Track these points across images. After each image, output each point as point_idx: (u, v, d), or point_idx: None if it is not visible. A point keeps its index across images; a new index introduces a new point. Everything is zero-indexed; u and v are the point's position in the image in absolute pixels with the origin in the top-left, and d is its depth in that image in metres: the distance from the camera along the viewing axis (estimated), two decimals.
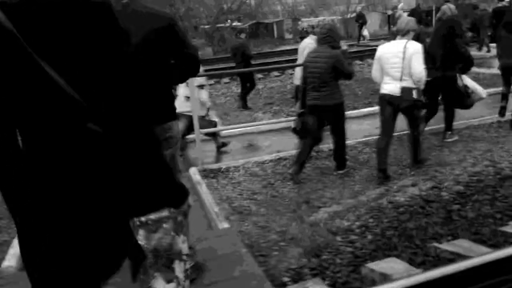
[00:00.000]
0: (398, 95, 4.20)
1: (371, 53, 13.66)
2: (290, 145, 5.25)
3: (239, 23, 26.97)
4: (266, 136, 6.33)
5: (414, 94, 4.19)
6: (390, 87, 4.27)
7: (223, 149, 5.98)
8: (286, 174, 4.55)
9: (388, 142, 4.43)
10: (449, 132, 5.43)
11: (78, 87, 1.09)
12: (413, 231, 3.21)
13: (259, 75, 12.37)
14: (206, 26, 24.15)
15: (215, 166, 4.95)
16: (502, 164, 4.49)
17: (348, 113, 5.72)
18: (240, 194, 4.15)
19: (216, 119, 5.90)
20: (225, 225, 3.30)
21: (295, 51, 21.53)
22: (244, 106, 8.58)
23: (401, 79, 4.17)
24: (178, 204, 1.45)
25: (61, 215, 1.16)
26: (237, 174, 4.65)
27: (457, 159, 4.75)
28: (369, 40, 19.90)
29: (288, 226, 3.44)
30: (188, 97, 5.18)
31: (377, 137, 4.57)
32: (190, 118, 5.16)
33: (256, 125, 6.51)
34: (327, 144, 4.99)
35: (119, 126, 1.17)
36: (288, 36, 28.07)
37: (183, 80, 2.51)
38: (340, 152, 4.60)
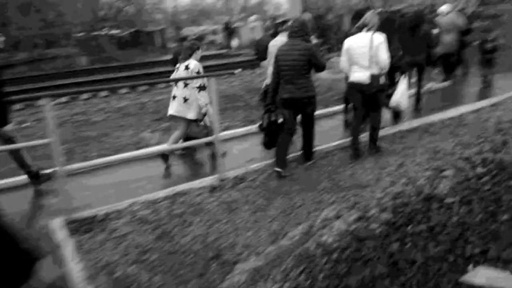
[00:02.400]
0: (368, 82, 4.58)
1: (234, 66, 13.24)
2: (190, 172, 4.24)
3: (117, 31, 24.90)
4: (158, 164, 5.21)
5: (381, 80, 4.64)
6: (359, 75, 4.65)
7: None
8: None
9: (359, 123, 4.89)
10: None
11: None
12: None
13: (143, 88, 11.05)
14: (80, 34, 21.67)
15: (89, 213, 3.67)
16: (420, 181, 4.06)
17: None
18: (125, 255, 3.00)
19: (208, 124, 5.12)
20: None
21: None
22: None
23: (369, 68, 4.56)
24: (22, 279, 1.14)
25: None
26: (120, 223, 3.48)
27: (373, 178, 4.22)
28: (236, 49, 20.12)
29: None
30: (187, 99, 4.88)
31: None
32: (187, 122, 4.97)
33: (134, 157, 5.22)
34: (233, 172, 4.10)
35: None
36: (171, 45, 26.81)
37: None
38: (310, 143, 4.68)
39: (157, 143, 5.93)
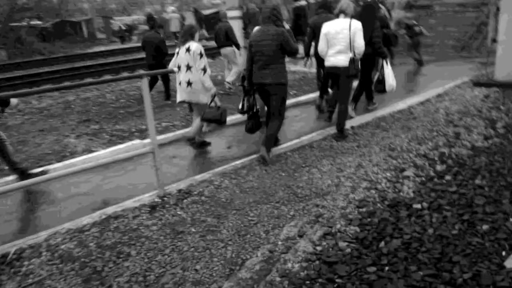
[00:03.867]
0: (345, 65, 4.75)
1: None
2: (124, 189, 3.54)
3: (39, 22, 22.72)
4: (87, 177, 4.43)
5: (357, 64, 4.79)
6: (336, 59, 4.81)
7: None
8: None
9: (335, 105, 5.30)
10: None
11: None
12: None
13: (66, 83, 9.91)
14: None
15: None
16: (381, 183, 3.72)
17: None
18: None
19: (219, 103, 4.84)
20: None
21: (112, 53, 18.85)
22: None
23: (344, 52, 4.75)
24: None
25: None
26: (37, 263, 2.74)
27: (332, 183, 3.81)
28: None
29: None
30: (190, 82, 4.67)
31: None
32: (196, 106, 4.87)
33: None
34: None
35: None
36: (100, 35, 24.98)
37: None
38: (275, 131, 4.49)
39: (84, 151, 5.12)
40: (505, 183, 3.32)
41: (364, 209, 3.28)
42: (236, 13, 8.86)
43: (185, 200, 3.55)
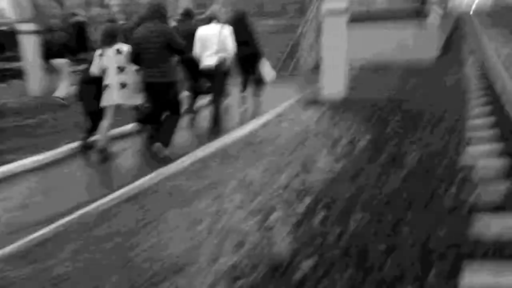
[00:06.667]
0: (218, 64, 5.18)
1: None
2: None
3: None
4: None
5: (228, 63, 5.40)
6: (210, 60, 5.21)
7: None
8: None
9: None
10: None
11: None
12: None
13: None
14: None
15: None
16: (250, 236, 2.83)
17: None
18: None
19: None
20: None
21: None
22: None
23: (218, 53, 5.18)
24: None
25: None
26: None
27: (190, 245, 2.74)
28: None
29: None
30: (125, 84, 4.56)
31: None
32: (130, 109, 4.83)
33: None
34: None
35: None
36: None
37: None
38: (170, 131, 4.49)
39: None
40: (391, 217, 2.82)
41: (241, 281, 2.31)
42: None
43: None
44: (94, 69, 4.65)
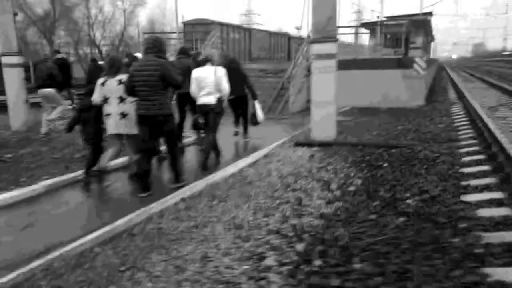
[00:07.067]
0: (213, 103, 5.45)
1: None
2: None
3: None
4: None
5: (223, 103, 5.67)
6: (206, 99, 5.49)
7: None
8: None
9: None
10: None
11: None
12: None
13: None
14: None
15: None
16: (242, 284, 2.54)
17: None
18: None
19: None
20: None
21: None
22: None
23: (213, 93, 5.47)
24: None
25: None
26: None
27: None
28: None
29: None
30: (125, 114, 4.64)
31: None
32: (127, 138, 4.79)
33: None
34: None
35: None
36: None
37: None
38: (175, 163, 4.60)
39: None
40: (396, 267, 2.58)
41: None
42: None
43: None
44: (96, 98, 4.70)
